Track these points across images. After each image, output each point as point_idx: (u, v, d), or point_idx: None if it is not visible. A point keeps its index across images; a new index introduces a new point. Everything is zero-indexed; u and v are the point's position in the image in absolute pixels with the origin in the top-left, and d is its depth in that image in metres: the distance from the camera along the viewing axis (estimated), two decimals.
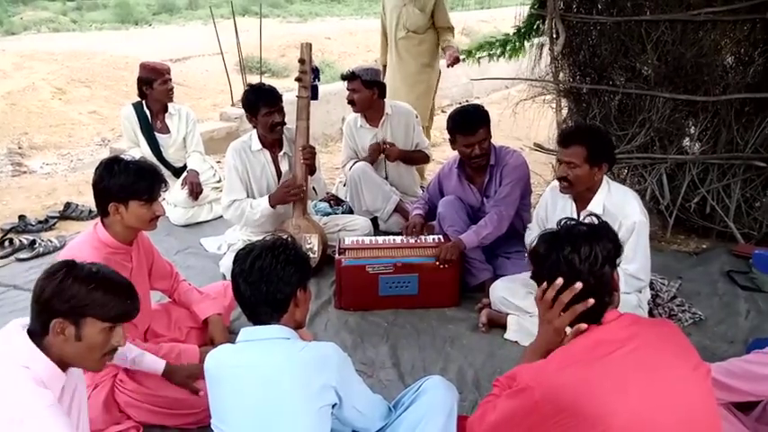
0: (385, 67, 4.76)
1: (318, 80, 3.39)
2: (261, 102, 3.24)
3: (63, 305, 1.47)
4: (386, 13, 4.64)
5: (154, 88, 4.06)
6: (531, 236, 2.90)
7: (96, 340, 1.52)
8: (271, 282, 1.65)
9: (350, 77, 3.79)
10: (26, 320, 1.54)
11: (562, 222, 1.56)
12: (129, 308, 1.57)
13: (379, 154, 3.92)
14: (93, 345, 1.52)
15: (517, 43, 4.31)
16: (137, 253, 2.34)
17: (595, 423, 1.31)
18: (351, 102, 3.85)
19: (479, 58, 4.57)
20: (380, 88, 3.88)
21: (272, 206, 3.28)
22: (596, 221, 1.56)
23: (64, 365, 1.54)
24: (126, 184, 2.12)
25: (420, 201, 3.50)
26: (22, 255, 3.65)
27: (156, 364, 2.17)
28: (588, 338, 1.46)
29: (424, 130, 4.65)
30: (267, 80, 7.79)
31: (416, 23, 4.44)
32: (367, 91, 3.79)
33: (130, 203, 2.14)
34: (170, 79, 4.13)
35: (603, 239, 1.49)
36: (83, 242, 2.19)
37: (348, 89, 3.83)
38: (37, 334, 1.50)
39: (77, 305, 1.48)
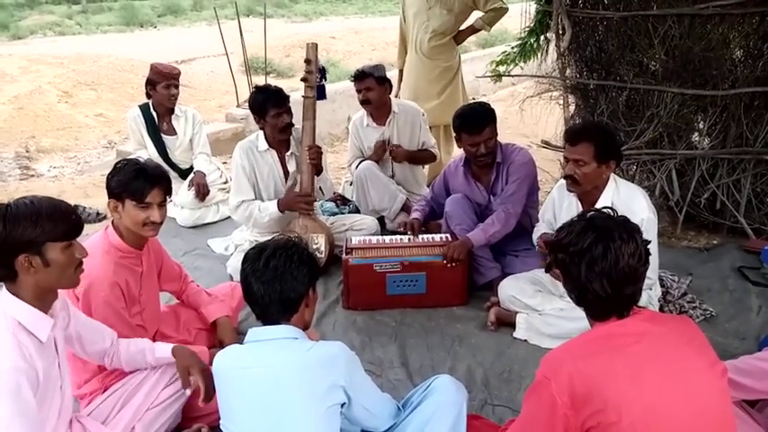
0: (401, 71, 4.75)
1: (325, 80, 3.38)
2: (269, 103, 3.23)
3: (18, 243, 1.58)
4: (406, 18, 4.59)
5: (157, 91, 4.06)
6: (540, 232, 2.88)
7: (62, 260, 1.65)
8: (285, 281, 1.64)
9: (362, 77, 3.78)
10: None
11: (591, 214, 1.53)
12: (75, 222, 1.70)
13: (384, 152, 3.91)
14: (61, 264, 1.65)
15: (535, 44, 4.27)
16: (147, 257, 2.34)
17: (609, 413, 1.30)
18: (365, 101, 3.83)
19: (506, 72, 4.50)
20: (390, 85, 3.88)
21: (281, 211, 3.29)
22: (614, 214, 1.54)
23: (45, 304, 1.68)
24: (121, 182, 2.12)
25: (422, 201, 3.49)
26: None
27: (165, 350, 2.11)
28: (606, 330, 1.45)
29: (447, 129, 4.62)
30: (272, 80, 7.80)
31: (444, 25, 4.39)
32: (380, 88, 3.80)
33: (126, 203, 2.13)
34: (174, 85, 4.08)
35: (640, 232, 1.48)
36: (93, 246, 2.17)
37: (360, 89, 3.80)
38: (10, 283, 1.63)
39: (31, 238, 1.59)
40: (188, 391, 2.06)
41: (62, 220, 1.65)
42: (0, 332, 1.57)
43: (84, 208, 4.29)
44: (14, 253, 1.58)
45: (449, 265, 2.94)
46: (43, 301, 1.67)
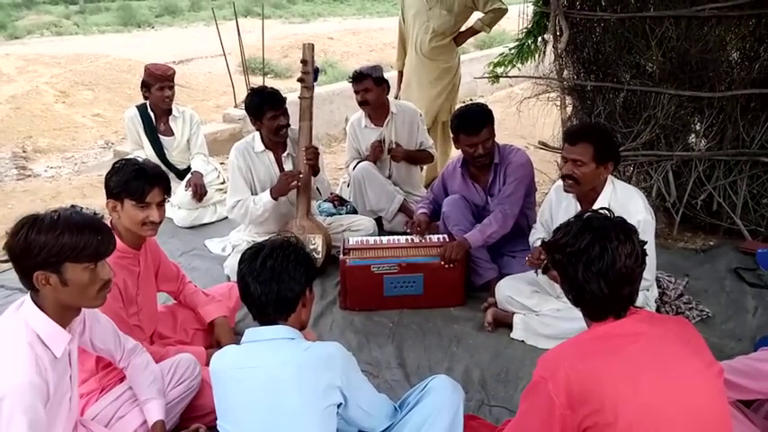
0: (400, 73, 4.75)
1: (316, 80, 3.37)
2: (265, 106, 3.22)
3: (36, 258, 1.51)
4: (406, 19, 4.59)
5: (151, 92, 4.05)
6: (536, 236, 2.88)
7: (82, 281, 1.57)
8: (282, 281, 1.64)
9: (360, 78, 3.77)
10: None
11: (588, 215, 1.53)
12: (100, 244, 1.60)
13: (381, 152, 3.91)
14: (81, 285, 1.57)
15: (532, 45, 4.28)
16: (144, 257, 2.34)
17: (606, 413, 1.30)
18: (363, 102, 3.83)
19: (504, 73, 4.51)
20: (388, 85, 3.88)
21: (274, 198, 3.27)
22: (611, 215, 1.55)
23: (65, 318, 1.62)
24: (120, 182, 2.13)
25: (425, 200, 3.50)
26: None
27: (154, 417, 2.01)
28: (603, 331, 1.46)
29: (444, 130, 4.63)
30: (270, 81, 7.81)
31: (444, 25, 4.39)
32: (378, 88, 3.80)
33: (125, 202, 2.13)
34: (169, 86, 4.06)
35: (637, 233, 1.48)
36: None
37: (358, 90, 3.80)
38: (34, 293, 1.59)
39: (49, 255, 1.52)
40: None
41: (85, 241, 1.56)
42: (19, 343, 1.54)
43: (82, 208, 4.26)
44: (31, 268, 1.54)
45: (446, 265, 2.94)
46: (64, 315, 1.64)
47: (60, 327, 1.61)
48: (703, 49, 3.51)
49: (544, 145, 4.12)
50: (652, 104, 3.69)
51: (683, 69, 3.60)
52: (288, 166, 3.42)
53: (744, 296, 3.09)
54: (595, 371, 1.34)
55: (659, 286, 3.01)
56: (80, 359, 2.04)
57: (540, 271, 2.69)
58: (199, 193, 4.07)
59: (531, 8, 4.29)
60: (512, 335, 2.78)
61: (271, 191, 3.28)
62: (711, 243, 3.70)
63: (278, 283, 1.63)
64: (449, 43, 4.49)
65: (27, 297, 1.62)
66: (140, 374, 2.01)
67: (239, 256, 1.75)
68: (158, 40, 14.13)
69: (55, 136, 7.35)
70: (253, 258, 1.67)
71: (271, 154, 3.39)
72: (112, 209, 2.16)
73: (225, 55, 6.75)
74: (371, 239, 3.23)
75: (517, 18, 4.45)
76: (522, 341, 2.74)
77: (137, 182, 2.13)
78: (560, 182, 2.72)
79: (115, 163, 2.21)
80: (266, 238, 1.88)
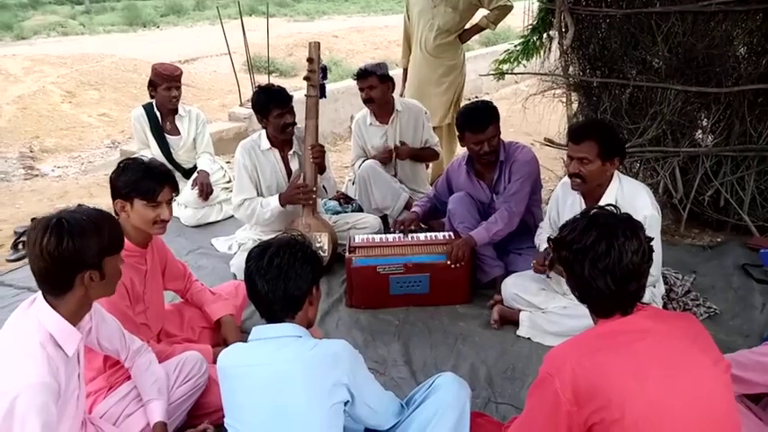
0: (405, 70, 4.75)
1: (326, 78, 3.38)
2: (272, 103, 3.24)
3: (90, 260, 1.60)
4: (411, 16, 4.60)
5: (158, 92, 4.07)
6: (542, 236, 2.88)
7: (116, 270, 1.71)
8: (289, 279, 1.65)
9: (365, 75, 3.77)
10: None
11: (594, 211, 1.53)
12: (121, 231, 1.75)
13: (389, 159, 3.92)
14: (114, 276, 1.70)
15: (537, 42, 4.27)
16: (151, 256, 2.35)
17: (613, 410, 1.30)
18: (368, 100, 3.83)
19: (509, 70, 4.50)
20: (393, 83, 3.89)
21: (282, 205, 3.29)
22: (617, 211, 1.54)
23: (78, 317, 1.69)
24: (130, 181, 2.13)
25: (424, 199, 3.49)
26: None
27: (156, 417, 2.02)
28: (610, 328, 1.46)
29: (449, 128, 4.63)
30: (275, 80, 7.82)
31: (449, 23, 4.38)
32: (383, 86, 3.79)
33: (135, 202, 2.14)
34: (176, 86, 4.07)
35: (643, 229, 1.48)
36: None
37: (363, 87, 3.81)
38: (54, 296, 1.62)
39: (97, 254, 1.61)
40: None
41: (118, 233, 1.69)
42: (33, 344, 1.55)
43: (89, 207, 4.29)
44: (79, 269, 1.58)
45: (453, 266, 2.94)
46: (78, 313, 1.67)
47: (73, 326, 1.64)
48: (710, 44, 3.49)
49: (550, 142, 4.11)
50: (658, 100, 3.68)
51: (689, 65, 3.59)
52: (294, 165, 3.43)
53: (751, 293, 3.08)
54: (602, 367, 1.34)
55: (666, 283, 3.00)
56: (88, 357, 2.07)
57: (548, 274, 2.71)
58: (205, 191, 4.08)
59: (536, 5, 4.29)
60: (518, 332, 2.78)
61: (280, 197, 3.29)
62: (719, 239, 3.69)
63: (285, 281, 1.64)
64: (454, 40, 4.49)
65: (38, 296, 1.63)
66: (143, 375, 2.02)
67: (246, 254, 1.75)
68: (164, 39, 14.17)
69: (62, 136, 7.39)
70: (260, 256, 1.67)
71: (277, 152, 3.40)
72: (121, 209, 2.16)
73: (230, 54, 6.76)
74: (377, 237, 3.22)
75: (522, 15, 4.45)
76: (529, 338, 2.74)
77: (147, 181, 2.13)
78: (567, 178, 2.71)
79: (120, 163, 2.21)
80: (273, 236, 1.88)
